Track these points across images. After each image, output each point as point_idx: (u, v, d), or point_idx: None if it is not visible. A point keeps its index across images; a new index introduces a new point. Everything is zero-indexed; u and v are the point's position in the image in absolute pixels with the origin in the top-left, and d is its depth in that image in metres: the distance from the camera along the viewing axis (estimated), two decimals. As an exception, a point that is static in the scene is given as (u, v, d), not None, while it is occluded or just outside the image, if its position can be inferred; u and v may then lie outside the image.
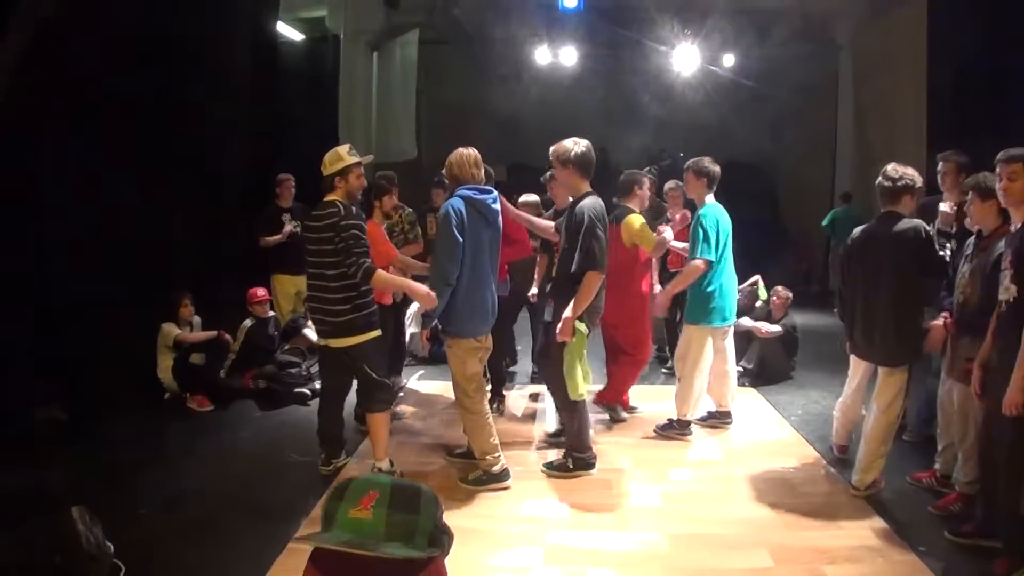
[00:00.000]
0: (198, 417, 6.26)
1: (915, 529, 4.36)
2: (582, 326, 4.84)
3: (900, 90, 10.70)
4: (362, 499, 1.32)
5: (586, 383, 4.98)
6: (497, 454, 4.91)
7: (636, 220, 5.81)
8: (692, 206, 6.18)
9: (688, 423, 5.91)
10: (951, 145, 5.51)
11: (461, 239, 4.59)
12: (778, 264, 11.41)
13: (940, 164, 5.41)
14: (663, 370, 7.84)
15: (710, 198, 5.76)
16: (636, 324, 6.06)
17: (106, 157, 5.90)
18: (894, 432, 4.88)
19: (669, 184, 7.67)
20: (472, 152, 4.87)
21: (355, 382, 5.11)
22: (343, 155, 4.81)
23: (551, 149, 4.99)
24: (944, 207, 5.09)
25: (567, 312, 4.74)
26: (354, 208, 4.79)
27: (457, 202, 4.66)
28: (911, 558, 4.05)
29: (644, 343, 6.23)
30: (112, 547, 3.19)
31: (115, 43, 5.93)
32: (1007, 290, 3.77)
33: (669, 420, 5.96)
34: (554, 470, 5.14)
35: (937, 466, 4.90)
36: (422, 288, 4.64)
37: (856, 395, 5.24)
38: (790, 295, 7.72)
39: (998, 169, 3.90)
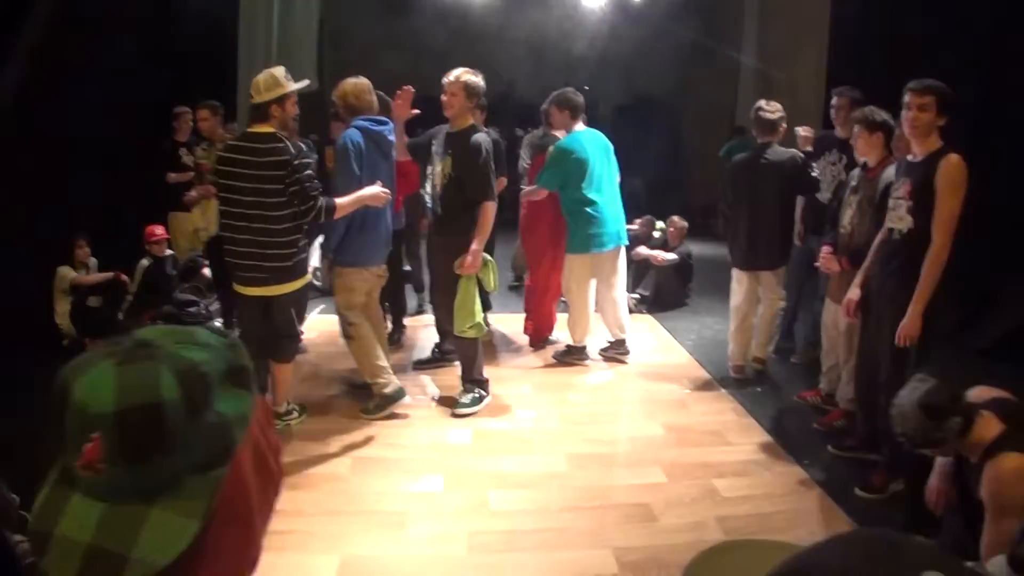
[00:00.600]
0: None
1: (800, 444, 4.58)
2: (489, 257, 4.87)
3: (802, 30, 10.86)
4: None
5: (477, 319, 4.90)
6: (387, 376, 4.80)
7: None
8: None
9: (583, 348, 6.00)
10: (851, 82, 5.63)
11: (359, 172, 4.50)
12: (681, 195, 11.61)
13: (834, 99, 5.55)
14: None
15: (579, 126, 5.75)
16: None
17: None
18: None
19: None
20: (364, 81, 4.76)
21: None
22: (280, 79, 4.28)
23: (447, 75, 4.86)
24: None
25: (474, 244, 4.70)
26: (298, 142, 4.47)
27: (354, 134, 4.55)
28: (796, 470, 4.26)
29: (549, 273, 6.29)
30: (18, 499, 3.06)
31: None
32: (900, 220, 3.86)
33: (567, 346, 6.05)
34: (468, 407, 4.99)
35: (822, 385, 5.13)
36: (375, 189, 4.50)
37: (746, 319, 5.58)
38: (685, 224, 7.87)
39: (907, 98, 3.78)
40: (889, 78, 4.04)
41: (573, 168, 5.57)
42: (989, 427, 2.76)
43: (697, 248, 8.11)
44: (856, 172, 4.64)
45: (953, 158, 3.65)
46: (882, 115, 4.28)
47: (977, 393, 2.92)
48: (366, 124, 4.61)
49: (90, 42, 6.61)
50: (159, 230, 6.88)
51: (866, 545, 0.56)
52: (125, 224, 7.00)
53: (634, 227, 8.32)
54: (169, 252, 7.02)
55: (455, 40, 12.46)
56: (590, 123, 5.95)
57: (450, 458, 4.36)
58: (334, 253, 4.74)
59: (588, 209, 5.63)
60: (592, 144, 5.71)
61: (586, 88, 11.64)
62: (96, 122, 6.70)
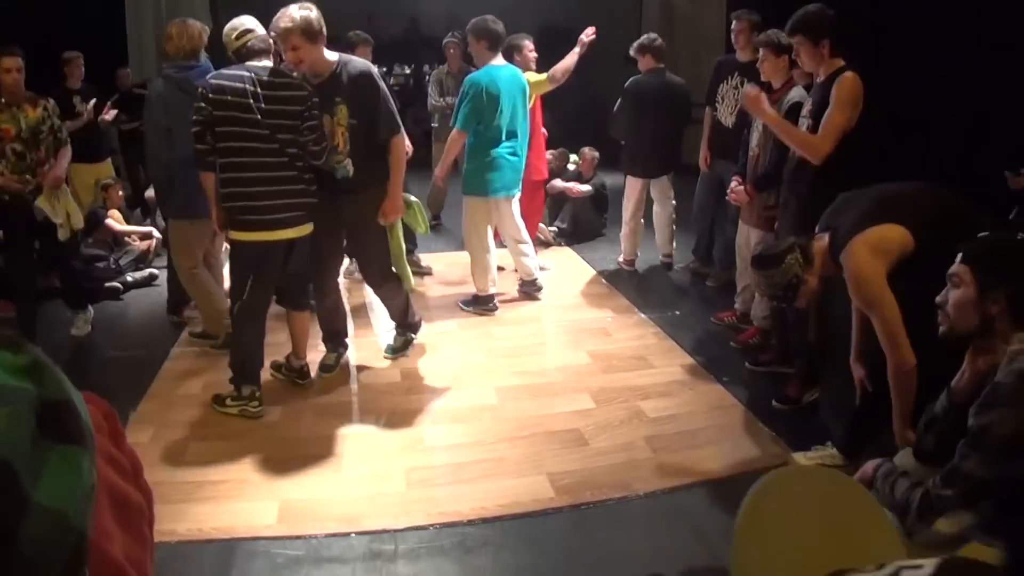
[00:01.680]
0: (4, 323, 5.71)
1: (720, 363, 4.76)
2: (414, 200, 4.77)
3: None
4: None
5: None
6: (225, 322, 4.55)
7: (531, 76, 5.82)
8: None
9: (491, 297, 5.77)
10: (754, 7, 5.72)
11: (165, 121, 4.45)
12: (590, 126, 11.63)
13: (733, 23, 5.65)
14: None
15: (498, 60, 5.42)
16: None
17: None
18: None
19: None
20: (190, 23, 4.66)
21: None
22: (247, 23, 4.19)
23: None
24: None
25: (391, 186, 4.35)
26: None
27: (158, 83, 4.59)
28: (717, 387, 4.44)
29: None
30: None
31: None
32: None
33: (473, 296, 5.78)
34: (399, 351, 4.93)
35: (737, 305, 5.31)
36: None
37: (636, 216, 6.58)
38: (596, 155, 7.92)
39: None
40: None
41: (486, 105, 5.26)
42: (820, 246, 3.20)
43: (609, 179, 8.19)
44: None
45: (847, 75, 3.80)
46: (788, 38, 4.39)
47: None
48: (170, 71, 4.56)
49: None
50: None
51: None
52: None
53: (547, 160, 8.36)
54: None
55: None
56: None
57: (382, 399, 4.37)
58: (162, 209, 4.58)
59: (494, 151, 5.38)
60: (507, 82, 5.37)
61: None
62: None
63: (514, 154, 5.49)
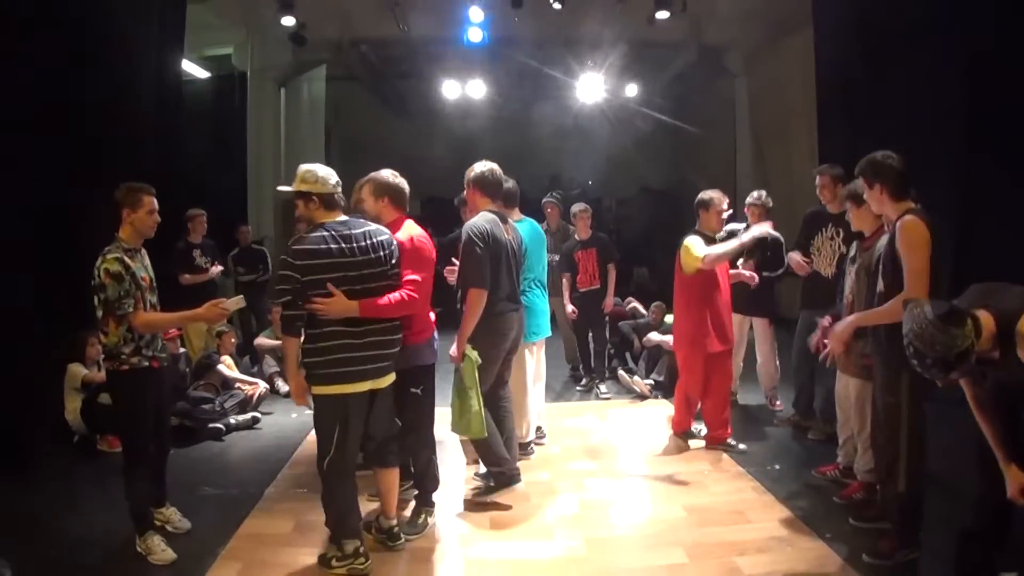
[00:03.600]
0: (110, 457, 6.04)
1: (822, 519, 4.54)
2: (472, 353, 4.62)
3: (792, 113, 11.20)
4: None
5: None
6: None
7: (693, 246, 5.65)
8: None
9: (528, 444, 5.83)
10: (841, 160, 5.81)
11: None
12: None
13: (817, 179, 5.76)
14: (578, 388, 7.95)
15: (516, 215, 5.63)
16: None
17: (5, 194, 5.72)
18: None
19: (578, 206, 7.78)
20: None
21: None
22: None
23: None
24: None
25: (459, 333, 4.63)
26: None
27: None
28: (819, 544, 4.22)
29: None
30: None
31: (15, 75, 5.78)
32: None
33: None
34: (481, 493, 4.95)
35: (839, 459, 5.12)
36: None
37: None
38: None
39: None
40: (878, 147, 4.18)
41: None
42: (988, 320, 2.89)
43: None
44: (855, 244, 4.75)
45: (907, 219, 3.76)
46: None
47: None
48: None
49: (97, 151, 6.83)
50: (172, 329, 7.02)
51: None
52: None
53: (645, 314, 8.45)
54: (183, 350, 7.15)
55: (460, 141, 12.70)
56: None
57: (469, 548, 4.35)
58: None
59: (526, 300, 5.48)
60: (529, 234, 5.61)
61: (589, 183, 11.88)
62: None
63: (540, 301, 5.80)
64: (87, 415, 6.24)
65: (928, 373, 2.92)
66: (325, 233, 3.86)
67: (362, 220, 4.09)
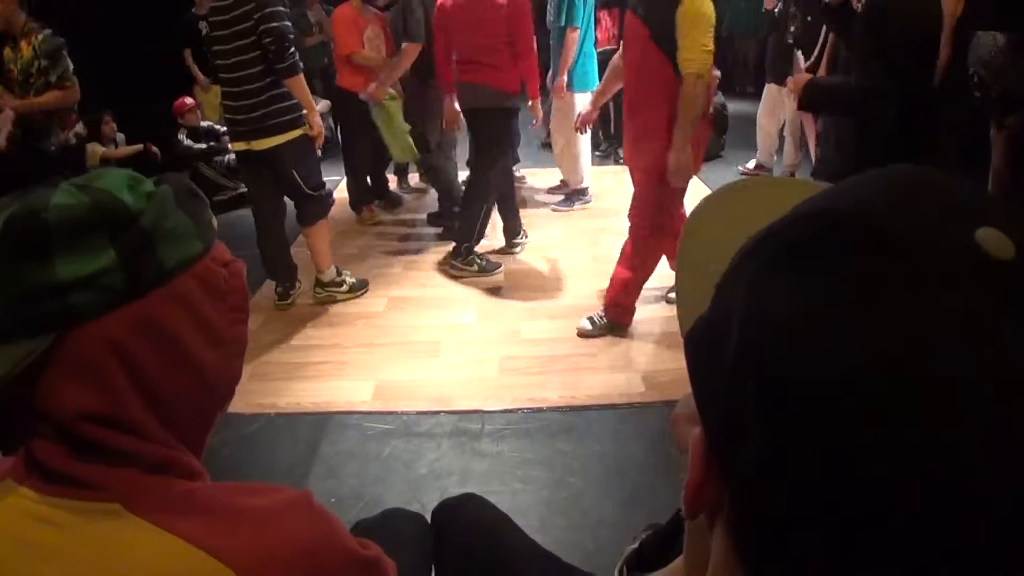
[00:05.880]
0: None
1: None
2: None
3: None
4: None
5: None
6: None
7: None
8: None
9: (586, 189, 5.96)
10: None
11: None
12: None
13: None
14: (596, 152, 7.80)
15: None
16: None
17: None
18: None
19: None
20: None
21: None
22: None
23: None
24: None
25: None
26: None
27: None
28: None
29: None
30: None
31: None
32: None
33: (566, 195, 6.00)
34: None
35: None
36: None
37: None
38: (718, 75, 7.61)
39: None
40: None
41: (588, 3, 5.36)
42: None
43: (733, 105, 7.93)
44: None
45: None
46: None
47: None
48: None
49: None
50: (189, 100, 6.86)
51: (911, 186, 0.44)
52: (149, 99, 6.93)
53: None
54: (207, 123, 6.97)
55: None
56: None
57: (482, 295, 4.43)
58: None
59: (590, 46, 5.48)
60: None
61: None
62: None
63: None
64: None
65: (987, 109, 2.72)
66: None
67: None
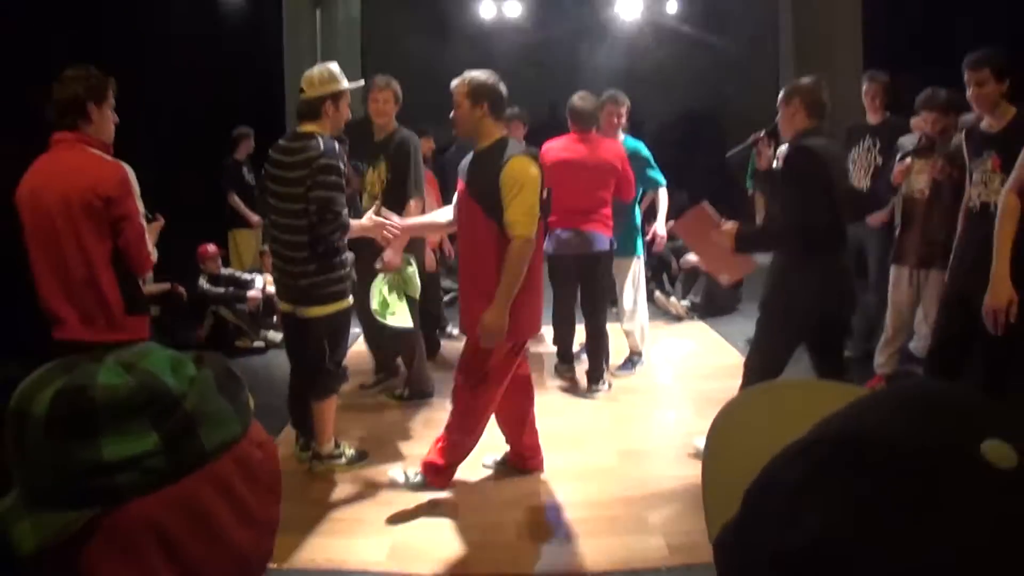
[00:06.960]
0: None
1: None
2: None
3: (837, 36, 10.84)
4: None
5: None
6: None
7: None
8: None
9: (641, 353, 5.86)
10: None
11: None
12: (727, 205, 11.59)
13: (864, 84, 5.49)
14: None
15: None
16: None
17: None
18: None
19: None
20: None
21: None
22: (337, 75, 3.82)
23: None
24: None
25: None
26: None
27: None
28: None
29: None
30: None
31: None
32: (996, 192, 3.65)
33: (629, 358, 5.82)
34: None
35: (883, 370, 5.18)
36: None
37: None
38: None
39: (966, 76, 3.75)
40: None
41: None
42: None
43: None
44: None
45: None
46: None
47: None
48: None
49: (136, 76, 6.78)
50: (211, 247, 7.02)
51: (921, 406, 0.49)
52: (183, 239, 7.14)
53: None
54: (227, 270, 7.12)
55: (495, 62, 12.53)
56: (635, 134, 6.00)
57: (500, 454, 4.36)
58: None
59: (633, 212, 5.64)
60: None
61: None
62: (150, 147, 6.93)
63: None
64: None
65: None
66: None
67: None
